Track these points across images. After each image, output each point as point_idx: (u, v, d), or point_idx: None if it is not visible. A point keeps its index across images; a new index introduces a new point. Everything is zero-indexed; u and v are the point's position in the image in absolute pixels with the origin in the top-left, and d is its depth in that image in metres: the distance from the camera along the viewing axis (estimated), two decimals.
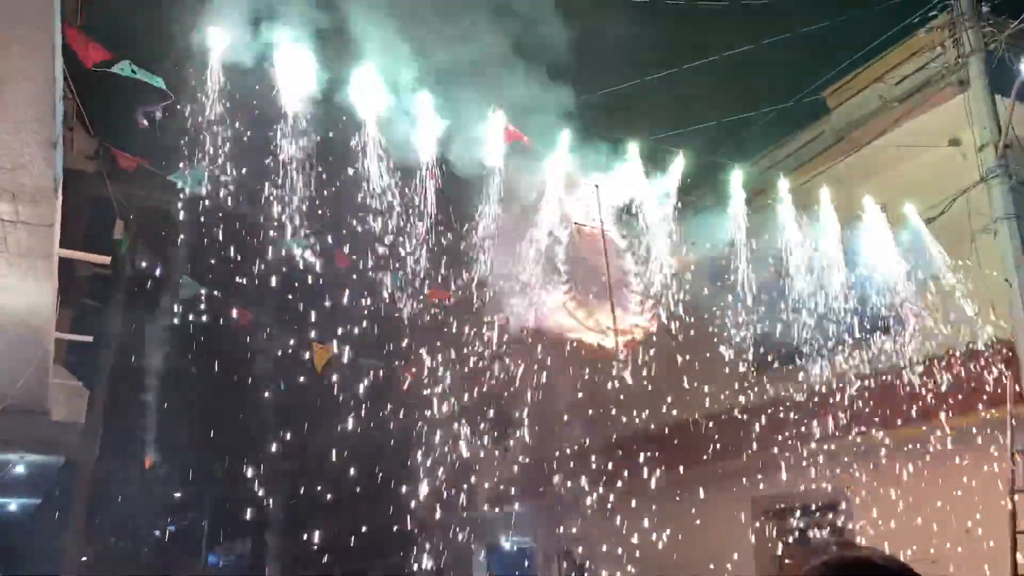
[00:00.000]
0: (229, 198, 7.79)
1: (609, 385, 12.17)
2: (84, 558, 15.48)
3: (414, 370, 13.54)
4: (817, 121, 12.07)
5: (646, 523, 13.13)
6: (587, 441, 15.12)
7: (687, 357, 12.48)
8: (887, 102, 10.65)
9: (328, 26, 6.76)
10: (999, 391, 8.31)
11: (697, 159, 8.87)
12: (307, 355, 11.83)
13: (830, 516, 11.00)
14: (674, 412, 13.28)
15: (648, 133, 8.75)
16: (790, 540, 11.95)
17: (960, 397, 9.01)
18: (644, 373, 12.26)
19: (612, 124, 8.66)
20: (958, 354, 9.41)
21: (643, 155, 8.45)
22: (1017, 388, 8.14)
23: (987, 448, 8.69)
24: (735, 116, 9.83)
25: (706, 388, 12.65)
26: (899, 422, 9.53)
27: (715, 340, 11.95)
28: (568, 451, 15.66)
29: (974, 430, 8.82)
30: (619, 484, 13.12)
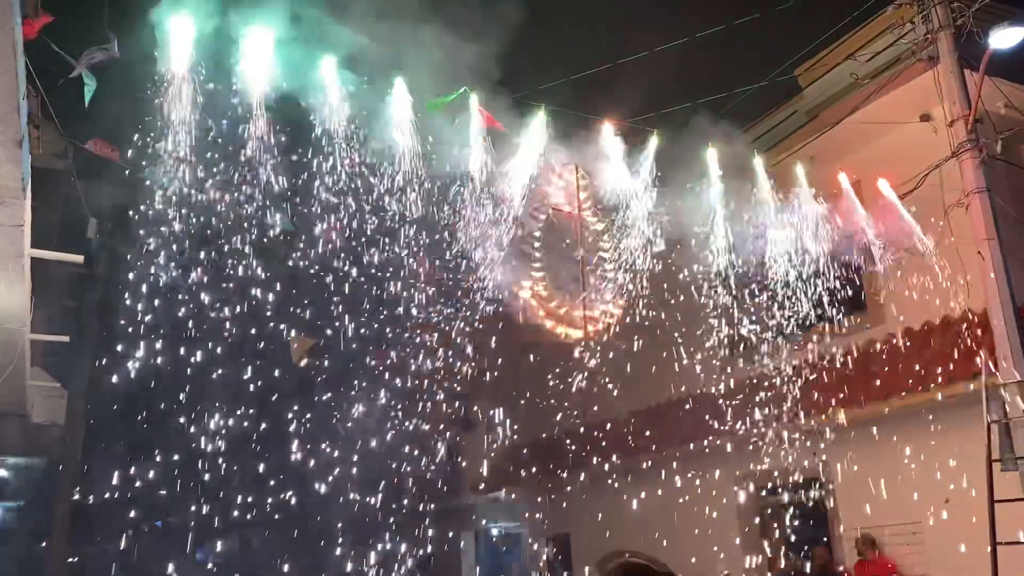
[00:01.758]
0: (202, 190, 7.72)
1: (587, 369, 12.25)
2: (70, 559, 15.38)
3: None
4: (791, 100, 12.14)
5: (631, 503, 13.24)
6: (571, 424, 15.20)
7: (676, 336, 12.57)
8: (858, 79, 10.70)
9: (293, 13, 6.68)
10: (974, 363, 8.41)
11: (672, 140, 8.87)
12: (293, 345, 11.82)
13: (812, 491, 11.11)
14: (656, 392, 13.36)
15: (622, 115, 8.74)
16: (772, 516, 12.09)
17: (936, 370, 9.11)
18: (624, 355, 12.34)
19: (586, 107, 8.63)
20: (942, 329, 9.51)
21: (618, 137, 8.44)
22: (991, 360, 8.23)
23: (964, 420, 8.79)
24: (709, 98, 9.82)
25: (687, 368, 12.73)
26: (877, 396, 9.63)
27: (695, 319, 12.04)
28: (552, 435, 15.73)
29: (950, 402, 8.92)
30: (603, 466, 13.19)
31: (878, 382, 9.72)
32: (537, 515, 16.77)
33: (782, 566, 11.43)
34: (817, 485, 10.95)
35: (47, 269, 10.38)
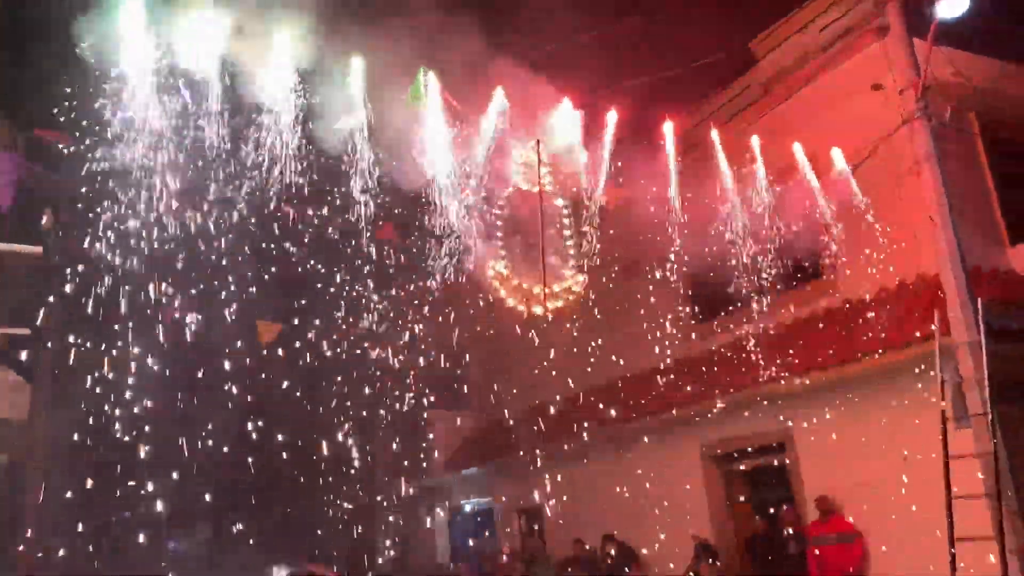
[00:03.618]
0: (158, 173, 7.61)
1: (555, 342, 12.36)
2: (39, 555, 15.24)
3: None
4: (746, 73, 12.25)
5: (601, 476, 13.45)
6: (538, 400, 15.35)
7: (637, 309, 12.72)
8: (811, 51, 10.86)
9: None
10: (928, 326, 8.64)
11: (630, 115, 8.92)
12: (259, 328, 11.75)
13: (775, 455, 11.37)
14: (621, 365, 13.53)
15: (580, 91, 8.78)
16: (738, 481, 12.36)
17: (892, 333, 9.36)
18: (588, 329, 12.47)
19: (543, 82, 8.65)
20: (896, 293, 9.75)
21: (576, 111, 8.47)
22: (944, 322, 8.47)
23: (919, 381, 9.05)
24: (665, 73, 9.89)
25: (649, 340, 12.91)
26: (835, 360, 9.86)
27: (655, 292, 12.20)
28: (521, 410, 15.88)
29: (906, 364, 9.17)
30: (571, 439, 13.37)
31: (836, 346, 9.95)
32: (508, 490, 16.96)
33: (751, 529, 11.71)
34: (780, 449, 11.19)
35: (3, 261, 10.24)
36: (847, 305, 10.46)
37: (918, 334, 8.94)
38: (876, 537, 9.67)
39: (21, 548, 13.48)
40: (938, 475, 8.06)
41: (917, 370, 9.03)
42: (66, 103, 7.36)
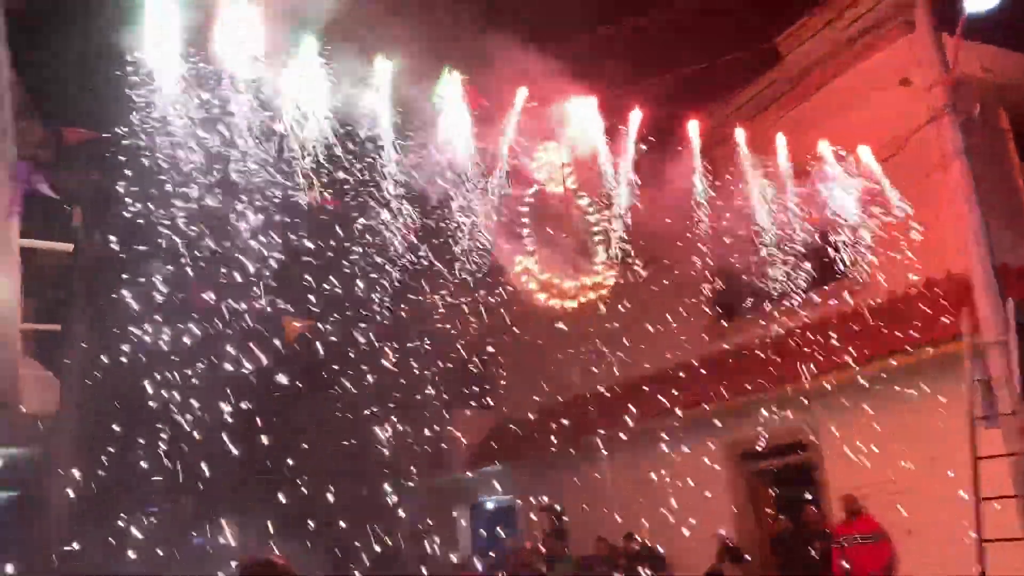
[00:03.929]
0: (188, 178, 7.68)
1: (580, 340, 12.35)
2: (67, 547, 15.45)
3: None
4: (771, 69, 12.17)
5: (624, 473, 13.42)
6: (563, 397, 15.34)
7: (663, 306, 12.68)
8: (837, 46, 10.76)
9: None
10: (956, 324, 8.55)
11: (654, 112, 8.88)
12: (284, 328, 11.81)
13: (800, 454, 11.30)
14: (646, 362, 13.50)
15: (604, 88, 8.75)
16: (762, 480, 12.30)
17: (920, 332, 9.27)
18: (613, 326, 12.45)
19: (565, 81, 8.63)
20: (924, 292, 9.65)
21: (600, 110, 8.45)
22: (972, 319, 8.37)
23: (947, 379, 8.95)
24: (689, 68, 9.83)
25: (674, 337, 12.87)
26: (862, 358, 9.78)
27: (681, 289, 12.15)
28: (545, 408, 15.88)
29: (934, 362, 9.09)
30: (595, 437, 13.35)
31: (863, 345, 9.87)
32: (531, 488, 16.97)
33: (775, 529, 11.65)
34: (805, 448, 11.12)
35: (34, 258, 10.38)
36: (874, 303, 10.36)
37: (946, 332, 8.85)
38: (903, 538, 9.59)
39: (46, 538, 13.66)
40: (967, 475, 7.97)
41: (945, 369, 8.94)
42: (97, 101, 7.44)
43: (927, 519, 9.20)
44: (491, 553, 16.37)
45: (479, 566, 15.84)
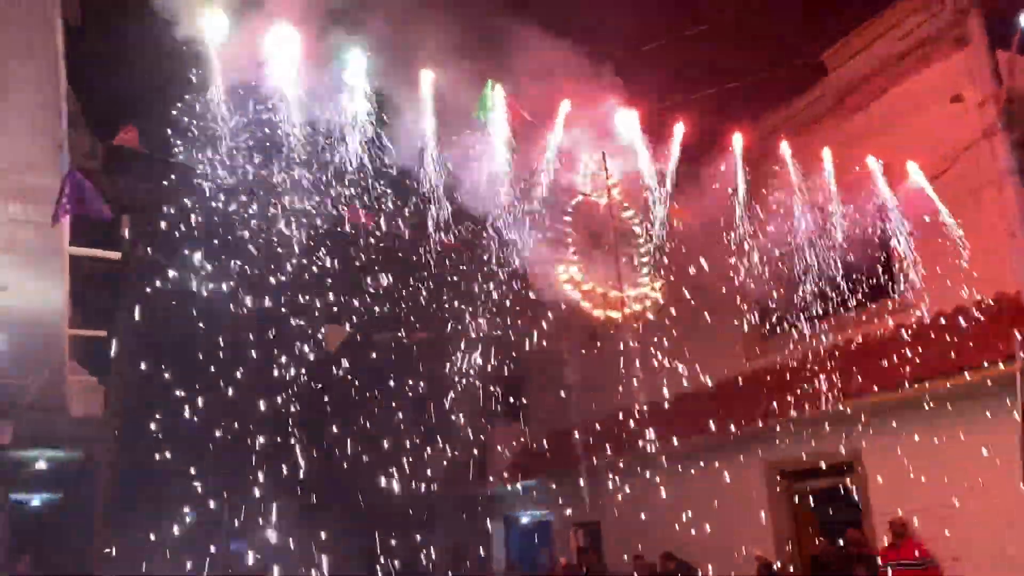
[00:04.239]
0: (232, 188, 7.79)
1: (620, 354, 12.26)
2: (108, 550, 15.70)
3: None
4: (816, 85, 12.02)
5: (661, 492, 13.26)
6: (601, 412, 15.24)
7: (706, 322, 12.56)
8: (886, 62, 10.61)
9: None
10: (1007, 346, 8.34)
11: (697, 126, 8.84)
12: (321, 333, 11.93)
13: (844, 475, 11.07)
14: (686, 378, 13.37)
15: (647, 101, 8.72)
16: (804, 500, 12.08)
17: (970, 353, 9.05)
18: (650, 342, 12.35)
19: (611, 93, 8.62)
20: (973, 312, 9.43)
21: (643, 124, 8.43)
22: None
23: (997, 403, 8.73)
24: (733, 84, 9.77)
25: (714, 354, 12.74)
26: (908, 380, 9.57)
27: (726, 306, 12.01)
28: (582, 423, 15.78)
29: (983, 385, 8.86)
30: (633, 453, 13.23)
31: (910, 365, 9.66)
32: (566, 503, 16.87)
33: (815, 550, 11.43)
34: (849, 469, 10.91)
35: (83, 265, 10.61)
36: (922, 323, 10.14)
37: (997, 354, 8.62)
38: (949, 564, 9.34)
39: (89, 539, 13.91)
40: (1017, 501, 7.76)
41: (995, 391, 8.71)
42: (146, 112, 7.58)
43: (975, 545, 8.96)
44: (525, 568, 16.30)
45: None
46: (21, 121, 5.04)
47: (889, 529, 9.88)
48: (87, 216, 6.35)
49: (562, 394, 16.08)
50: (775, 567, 11.27)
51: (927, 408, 9.56)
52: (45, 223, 6.62)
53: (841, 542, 10.77)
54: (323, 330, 11.29)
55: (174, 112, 6.83)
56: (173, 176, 8.38)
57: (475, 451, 18.35)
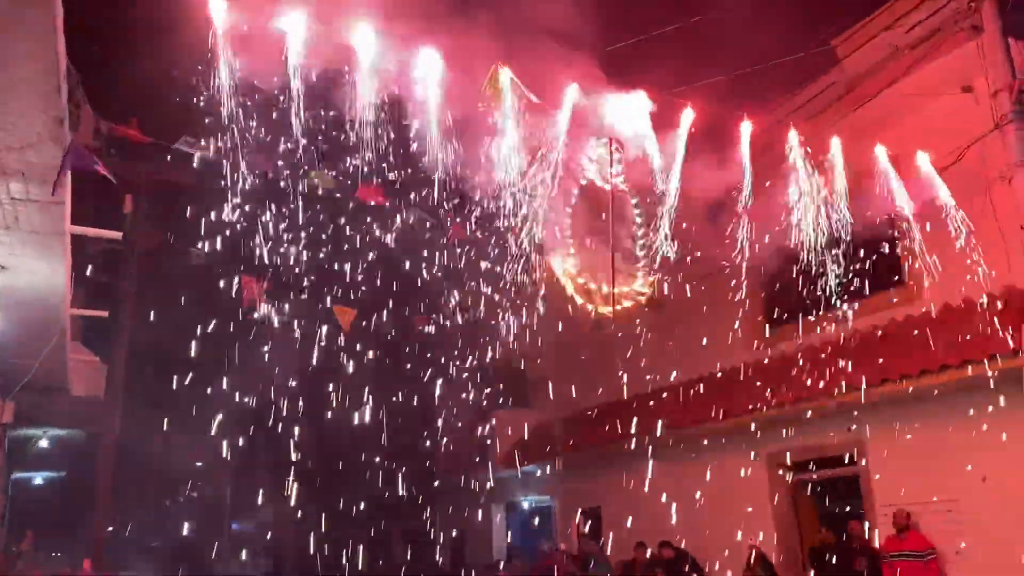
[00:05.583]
0: (238, 166, 7.72)
1: (623, 342, 12.20)
2: (110, 528, 15.78)
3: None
4: (827, 72, 11.89)
5: (662, 478, 13.24)
6: (601, 399, 15.21)
7: (708, 311, 12.50)
8: (898, 50, 10.47)
9: None
10: (1016, 340, 8.27)
11: (706, 112, 8.73)
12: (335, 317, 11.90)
13: (846, 466, 11.03)
14: (689, 367, 13.33)
15: (656, 87, 8.62)
16: (806, 491, 12.05)
17: (977, 346, 8.97)
18: (657, 329, 12.30)
19: (618, 79, 8.52)
20: (979, 304, 9.35)
21: (652, 109, 8.34)
22: None
23: (1003, 396, 8.68)
24: (743, 71, 9.66)
25: (719, 342, 12.68)
26: (913, 372, 9.50)
27: (728, 294, 11.94)
28: (583, 409, 15.77)
29: (990, 379, 8.78)
30: (635, 441, 13.20)
31: (916, 357, 9.59)
32: (568, 489, 16.88)
33: (816, 541, 11.41)
34: (851, 461, 10.86)
35: (84, 245, 10.56)
36: (928, 315, 10.06)
37: (1005, 348, 8.54)
38: (952, 557, 9.32)
39: (91, 517, 13.94)
40: (1020, 494, 7.72)
41: (1001, 385, 8.65)
42: (149, 96, 7.53)
43: (977, 539, 8.93)
44: (525, 554, 16.32)
45: (512, 566, 15.80)
46: (18, 98, 4.98)
47: (892, 520, 9.85)
48: (91, 175, 6.27)
49: (568, 381, 16.06)
50: (767, 557, 11.26)
51: (932, 401, 9.51)
52: (46, 202, 6.58)
53: (842, 534, 10.75)
54: (334, 310, 11.24)
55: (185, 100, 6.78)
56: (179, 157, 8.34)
57: (479, 436, 18.37)
